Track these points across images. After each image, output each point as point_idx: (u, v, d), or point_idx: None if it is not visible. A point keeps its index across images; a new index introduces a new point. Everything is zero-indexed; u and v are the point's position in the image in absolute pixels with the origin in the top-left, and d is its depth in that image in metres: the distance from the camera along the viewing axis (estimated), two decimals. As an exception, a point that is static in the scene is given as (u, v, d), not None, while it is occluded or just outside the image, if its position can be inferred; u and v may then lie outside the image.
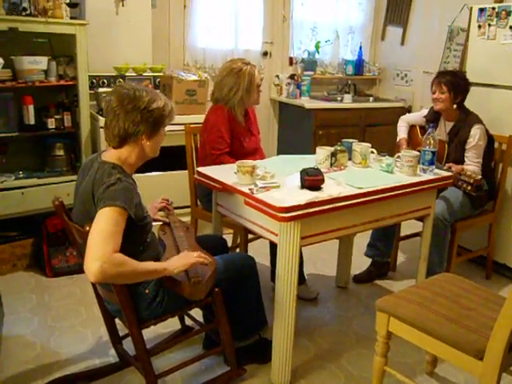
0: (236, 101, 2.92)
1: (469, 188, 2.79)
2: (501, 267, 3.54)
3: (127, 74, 3.77)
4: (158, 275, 1.87)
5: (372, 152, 2.82)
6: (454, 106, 3.16)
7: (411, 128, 3.50)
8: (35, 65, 3.17)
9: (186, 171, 3.18)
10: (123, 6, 3.75)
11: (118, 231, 1.74)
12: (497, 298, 2.07)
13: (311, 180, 2.28)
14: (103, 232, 1.71)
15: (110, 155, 1.94)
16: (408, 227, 3.52)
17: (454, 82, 3.11)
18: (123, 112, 1.87)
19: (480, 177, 2.87)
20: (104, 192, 1.78)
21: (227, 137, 2.91)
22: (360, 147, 2.76)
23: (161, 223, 2.37)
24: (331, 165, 2.68)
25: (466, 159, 3.13)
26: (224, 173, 2.51)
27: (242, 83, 2.90)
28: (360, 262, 3.45)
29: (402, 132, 3.49)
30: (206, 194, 2.91)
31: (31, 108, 3.23)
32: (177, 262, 1.90)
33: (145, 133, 1.92)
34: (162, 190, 3.40)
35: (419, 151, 2.73)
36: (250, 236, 3.12)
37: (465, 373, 2.38)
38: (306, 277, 3.22)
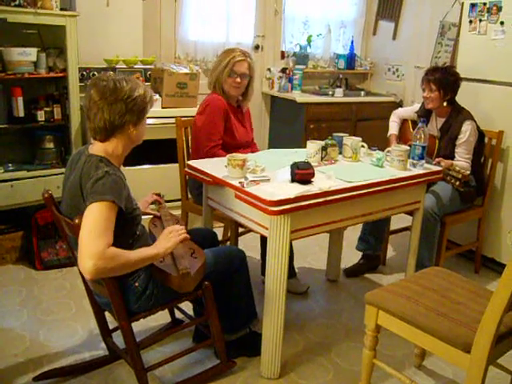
0: (214, 78, 2.92)
1: (457, 183, 2.80)
2: (489, 261, 3.57)
3: (118, 67, 3.74)
4: (151, 261, 1.88)
5: (362, 146, 2.83)
6: (445, 103, 3.16)
7: (403, 122, 3.51)
8: (24, 56, 3.14)
9: (177, 164, 3.17)
10: (114, -3, 3.72)
11: (109, 226, 1.74)
12: (485, 291, 2.09)
13: (302, 174, 2.29)
14: (95, 228, 1.70)
15: (97, 148, 1.93)
16: (398, 221, 3.54)
17: (443, 80, 3.10)
18: (106, 105, 1.85)
19: (468, 172, 2.88)
20: (92, 186, 1.77)
21: (221, 129, 2.90)
22: (351, 141, 2.76)
23: (151, 216, 2.36)
24: (322, 159, 2.68)
25: (456, 155, 3.14)
26: (214, 166, 2.51)
27: (223, 61, 2.89)
28: (350, 256, 3.47)
29: (392, 128, 3.50)
30: (196, 187, 2.91)
31: (20, 100, 3.20)
32: (166, 244, 1.90)
33: (131, 122, 1.91)
34: (153, 183, 3.41)
35: (411, 146, 2.74)
36: (241, 229, 3.13)
37: (453, 365, 2.40)
38: (297, 270, 3.24)
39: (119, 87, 1.87)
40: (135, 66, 3.85)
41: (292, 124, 4.72)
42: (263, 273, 2.84)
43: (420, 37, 4.85)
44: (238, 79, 2.90)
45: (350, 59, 5.30)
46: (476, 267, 3.54)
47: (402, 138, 3.43)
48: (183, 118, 3.17)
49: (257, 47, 4.87)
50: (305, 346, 2.62)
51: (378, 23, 5.37)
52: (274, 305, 2.23)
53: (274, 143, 4.90)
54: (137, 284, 1.97)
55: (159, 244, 1.91)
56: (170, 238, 1.93)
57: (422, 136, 2.71)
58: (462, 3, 3.62)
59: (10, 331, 2.61)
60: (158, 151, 3.59)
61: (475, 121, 3.16)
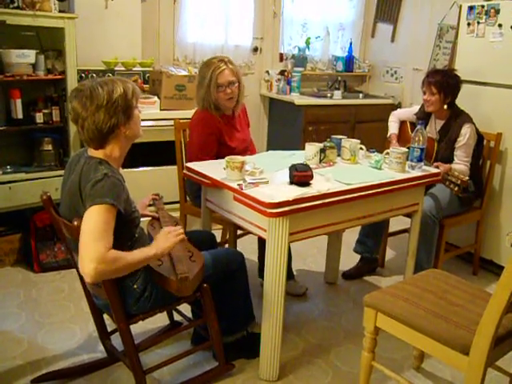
0: (201, 97, 2.83)
1: (456, 189, 2.81)
2: (488, 263, 3.57)
3: (116, 69, 3.74)
4: (151, 261, 1.89)
5: (361, 148, 2.83)
6: (445, 106, 3.16)
7: (402, 124, 3.50)
8: (23, 58, 3.14)
9: (176, 166, 3.17)
10: (112, -1, 3.72)
11: (108, 229, 1.74)
12: (483, 293, 2.09)
13: (300, 176, 2.29)
14: (94, 231, 1.70)
15: (96, 150, 1.93)
16: (396, 223, 3.54)
17: (444, 83, 3.10)
18: (90, 114, 1.83)
19: (467, 178, 2.88)
20: (91, 189, 1.77)
21: (213, 146, 2.86)
22: (349, 143, 2.77)
23: (150, 218, 2.36)
24: (320, 161, 2.69)
25: (454, 158, 3.14)
26: (213, 168, 2.51)
27: (205, 78, 2.79)
28: (349, 258, 3.47)
29: (392, 128, 3.49)
30: (195, 189, 2.90)
31: (19, 102, 3.20)
32: (164, 244, 1.90)
33: (120, 123, 1.89)
34: (152, 185, 3.40)
35: (409, 148, 2.74)
36: (239, 232, 3.13)
37: (451, 368, 2.40)
38: (295, 272, 3.24)
39: (95, 94, 1.83)
40: (134, 69, 3.84)
41: (290, 126, 4.72)
42: (261, 275, 2.84)
43: (418, 39, 4.86)
44: (228, 90, 2.80)
45: (349, 61, 5.31)
46: (474, 269, 3.54)
47: (401, 140, 3.43)
48: (182, 120, 3.17)
49: (255, 49, 4.88)
50: (303, 348, 2.62)
51: (376, 25, 5.38)
52: (272, 307, 2.23)
53: (273, 145, 4.89)
54: (135, 286, 1.97)
55: (157, 244, 1.90)
56: (168, 238, 1.93)
57: (421, 138, 2.71)
58: (460, 6, 3.63)
59: (8, 334, 2.60)
60: (156, 153, 3.60)
61: (474, 124, 3.16)
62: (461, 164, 3.10)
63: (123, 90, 1.88)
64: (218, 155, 2.84)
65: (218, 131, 2.87)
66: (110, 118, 1.86)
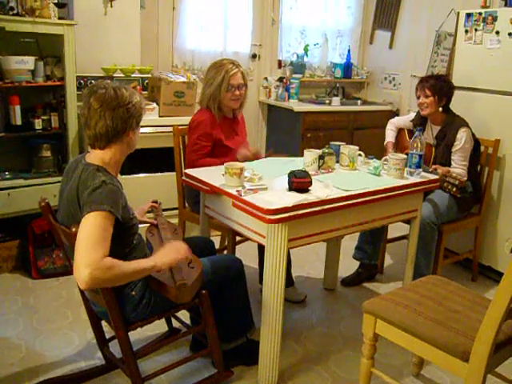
0: (208, 95, 2.89)
1: (454, 190, 2.82)
2: (486, 269, 3.57)
3: (115, 75, 3.75)
4: (148, 273, 1.87)
5: (360, 155, 2.84)
6: (440, 109, 3.19)
7: (399, 131, 3.52)
8: (22, 65, 3.14)
9: (174, 173, 3.17)
10: (111, 6, 3.73)
11: (106, 236, 1.73)
12: (482, 300, 2.08)
13: (299, 182, 2.29)
14: (91, 238, 1.69)
15: (94, 157, 1.93)
16: (395, 230, 3.54)
17: (437, 85, 3.14)
18: (109, 111, 1.86)
19: (465, 178, 2.90)
20: (89, 196, 1.77)
21: (205, 145, 2.88)
22: (348, 150, 2.77)
23: (148, 225, 2.36)
24: (319, 167, 2.69)
25: (452, 162, 3.16)
26: (212, 175, 2.51)
27: (216, 78, 2.86)
28: (348, 265, 3.46)
29: (389, 136, 3.51)
30: (193, 195, 2.90)
31: (18, 108, 3.20)
32: (163, 258, 1.88)
33: (132, 127, 1.93)
34: (150, 191, 3.41)
35: (407, 154, 2.75)
36: (238, 238, 3.13)
37: (451, 374, 2.39)
38: (294, 279, 3.23)
39: (120, 94, 1.89)
40: (133, 75, 3.85)
41: (289, 133, 4.72)
42: (261, 281, 2.84)
43: (416, 46, 4.88)
44: (237, 92, 2.90)
45: (347, 68, 5.33)
46: (473, 275, 3.54)
47: (399, 146, 3.45)
48: (181, 127, 3.17)
49: (254, 56, 4.89)
50: (302, 354, 2.61)
51: (374, 32, 5.40)
52: (271, 313, 2.23)
53: (271, 152, 4.90)
54: (134, 293, 1.96)
55: (157, 257, 1.88)
56: (169, 253, 1.91)
57: (419, 145, 2.72)
58: (458, 13, 3.65)
59: (5, 340, 2.59)
60: (155, 160, 3.60)
61: (470, 128, 3.18)
62: (458, 168, 3.12)
63: (140, 99, 1.97)
64: (216, 155, 2.88)
65: (214, 131, 2.89)
66: (128, 118, 1.90)
